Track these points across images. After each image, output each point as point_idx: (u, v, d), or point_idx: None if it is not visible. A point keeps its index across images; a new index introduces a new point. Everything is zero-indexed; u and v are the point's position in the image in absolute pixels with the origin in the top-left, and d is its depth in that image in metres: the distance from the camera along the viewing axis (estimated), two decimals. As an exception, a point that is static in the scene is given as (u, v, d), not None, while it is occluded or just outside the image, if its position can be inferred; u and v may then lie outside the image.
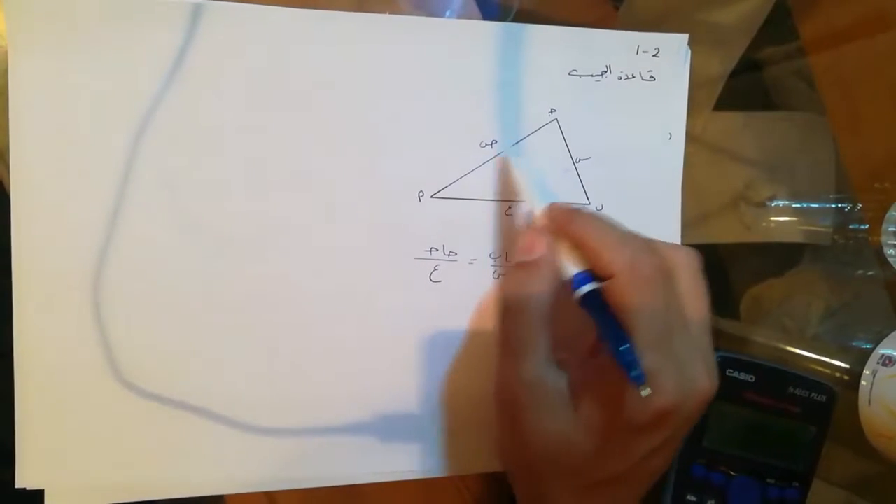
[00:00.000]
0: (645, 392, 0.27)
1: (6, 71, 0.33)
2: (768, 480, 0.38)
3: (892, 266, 0.40)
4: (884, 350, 0.38)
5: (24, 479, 0.33)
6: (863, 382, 0.38)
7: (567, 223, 0.31)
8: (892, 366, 0.37)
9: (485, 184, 0.37)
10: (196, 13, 0.34)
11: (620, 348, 0.28)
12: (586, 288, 0.30)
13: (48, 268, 0.33)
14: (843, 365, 0.40)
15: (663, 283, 0.29)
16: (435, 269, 0.36)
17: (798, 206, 0.42)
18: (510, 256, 0.37)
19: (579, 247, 0.31)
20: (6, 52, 0.32)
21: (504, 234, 0.37)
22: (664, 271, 0.29)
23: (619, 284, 0.29)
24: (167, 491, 0.35)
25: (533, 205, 0.34)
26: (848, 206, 0.41)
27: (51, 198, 0.33)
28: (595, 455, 0.29)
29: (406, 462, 0.37)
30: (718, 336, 0.41)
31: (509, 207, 0.37)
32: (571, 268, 0.31)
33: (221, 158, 0.34)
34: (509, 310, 0.31)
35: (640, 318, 0.28)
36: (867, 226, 0.41)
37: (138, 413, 0.34)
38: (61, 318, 0.33)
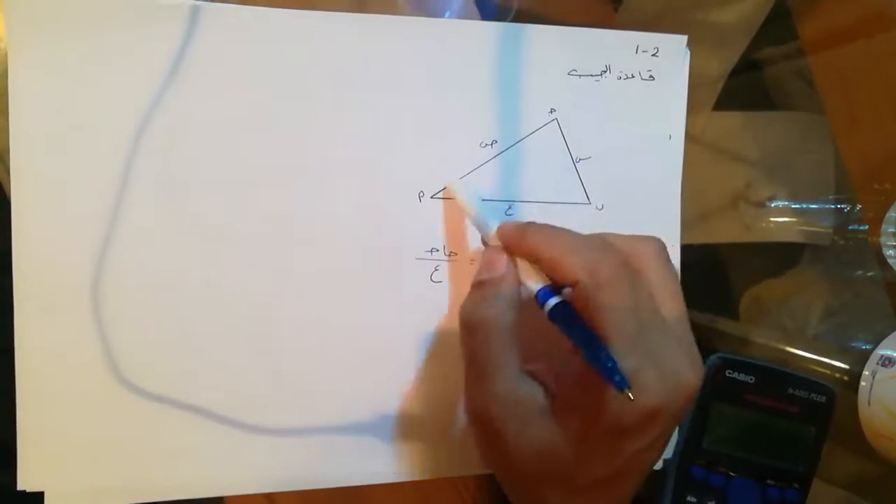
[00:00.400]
0: (630, 395, 0.26)
1: (6, 72, 0.33)
2: (768, 481, 0.38)
3: (891, 267, 0.40)
4: (883, 351, 0.38)
5: (25, 480, 0.33)
6: (862, 383, 0.38)
7: (519, 239, 0.31)
8: (891, 366, 0.37)
9: (484, 184, 0.37)
10: (195, 14, 0.34)
11: (597, 356, 0.27)
12: (552, 302, 0.29)
13: (48, 269, 0.33)
14: (842, 365, 0.40)
15: (628, 281, 0.28)
16: (436, 270, 0.36)
17: (798, 206, 0.42)
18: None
19: (536, 261, 0.30)
20: (5, 54, 0.32)
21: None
22: (626, 267, 0.29)
23: (581, 291, 0.28)
24: (166, 492, 0.35)
25: (482, 230, 0.33)
26: (847, 207, 0.41)
27: (50, 199, 0.33)
28: (581, 461, 0.29)
29: (405, 463, 0.37)
30: (718, 336, 0.41)
31: (509, 207, 0.37)
32: (534, 284, 0.30)
33: (221, 159, 0.34)
34: (472, 329, 0.30)
35: (610, 322, 0.27)
36: (867, 226, 0.41)
37: (138, 414, 0.34)
38: (61, 320, 0.33)
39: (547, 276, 0.30)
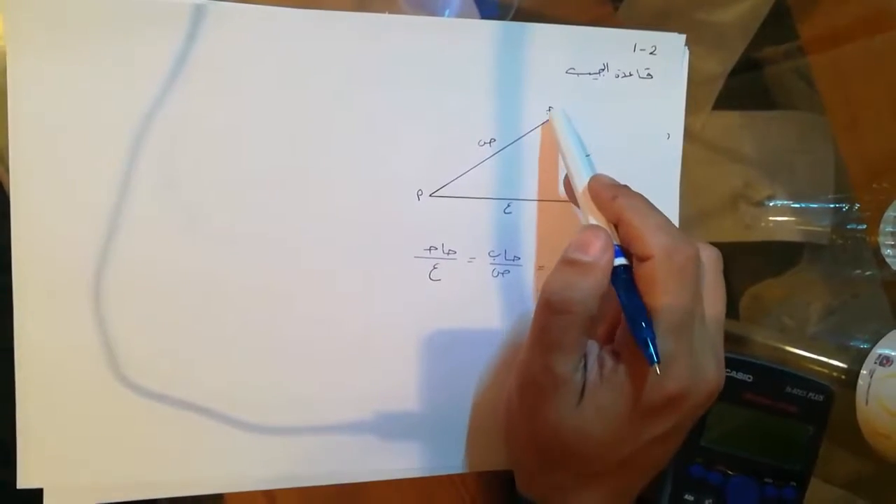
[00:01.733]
0: (657, 371, 0.28)
1: (5, 71, 0.33)
2: (766, 480, 0.38)
3: (889, 266, 0.40)
4: (881, 350, 0.38)
5: (24, 477, 0.33)
6: (860, 382, 0.38)
7: (610, 199, 0.31)
8: (889, 365, 0.37)
9: (483, 182, 0.37)
10: (197, 13, 0.34)
11: (639, 327, 0.28)
12: (618, 261, 0.30)
13: (49, 268, 0.33)
14: (841, 364, 0.40)
15: (694, 274, 0.30)
16: (434, 268, 0.36)
17: (797, 205, 0.42)
18: (509, 253, 0.37)
19: (620, 224, 0.31)
20: (4, 53, 0.33)
21: (503, 233, 0.37)
22: (698, 262, 0.30)
23: (653, 267, 0.29)
24: (166, 490, 0.35)
25: (574, 176, 0.34)
26: (846, 206, 0.41)
27: (50, 199, 0.33)
28: (605, 442, 0.30)
29: (405, 461, 0.37)
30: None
31: (507, 205, 0.37)
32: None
33: (222, 157, 0.34)
34: (553, 306, 0.30)
35: (666, 303, 0.29)
36: (865, 226, 0.41)
37: (138, 412, 0.34)
38: (62, 318, 0.33)
39: (621, 241, 0.31)
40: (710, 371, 0.30)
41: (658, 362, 0.28)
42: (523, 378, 0.32)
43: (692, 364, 0.29)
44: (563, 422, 0.30)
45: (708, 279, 0.31)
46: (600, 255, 0.30)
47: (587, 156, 0.35)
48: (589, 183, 0.33)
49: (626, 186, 0.32)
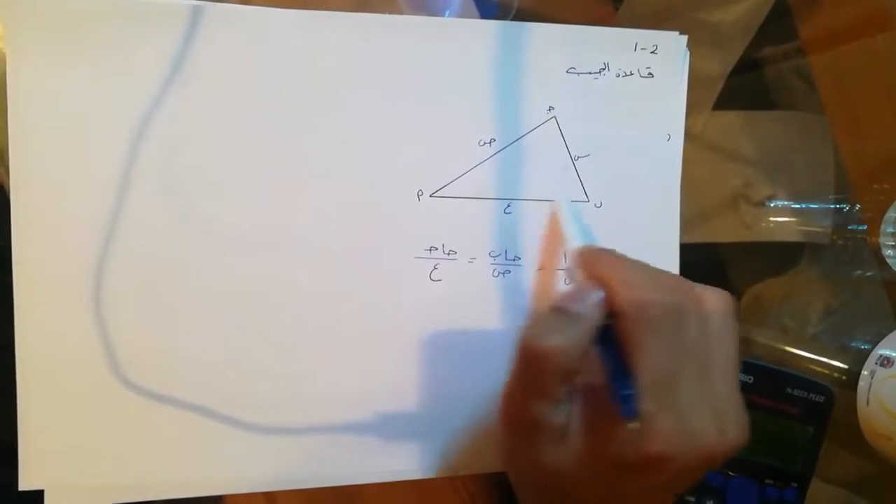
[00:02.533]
0: (633, 426, 0.27)
1: (5, 72, 0.33)
2: (766, 481, 0.38)
3: (890, 266, 0.40)
4: (882, 351, 0.38)
5: (25, 478, 0.33)
6: (861, 383, 0.38)
7: (594, 263, 0.31)
8: (890, 366, 0.37)
9: (483, 182, 0.37)
10: (196, 15, 0.34)
11: (617, 382, 0.28)
12: (602, 335, 0.29)
13: (49, 268, 0.33)
14: (841, 365, 0.40)
15: (673, 326, 0.28)
16: (435, 268, 0.36)
17: (797, 206, 0.42)
18: (510, 254, 0.37)
19: (601, 285, 0.30)
20: (4, 54, 0.33)
21: (504, 233, 0.37)
22: (679, 315, 0.28)
23: (625, 324, 0.28)
24: (166, 491, 0.35)
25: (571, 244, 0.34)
26: (847, 207, 0.41)
27: (50, 199, 0.33)
28: (584, 482, 0.29)
29: (405, 462, 0.37)
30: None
31: (508, 206, 0.37)
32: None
33: (221, 158, 0.34)
34: (532, 350, 0.28)
35: (641, 359, 0.27)
36: (866, 226, 0.41)
37: (138, 412, 0.34)
38: (63, 318, 0.33)
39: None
40: (704, 434, 0.27)
41: (635, 419, 0.27)
42: (503, 415, 0.30)
43: (678, 425, 0.27)
44: (549, 458, 0.29)
45: (714, 331, 0.29)
46: (591, 309, 0.29)
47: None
48: (577, 254, 0.33)
49: (610, 250, 0.32)
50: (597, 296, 0.29)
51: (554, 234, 0.37)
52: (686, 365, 0.28)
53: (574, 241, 0.34)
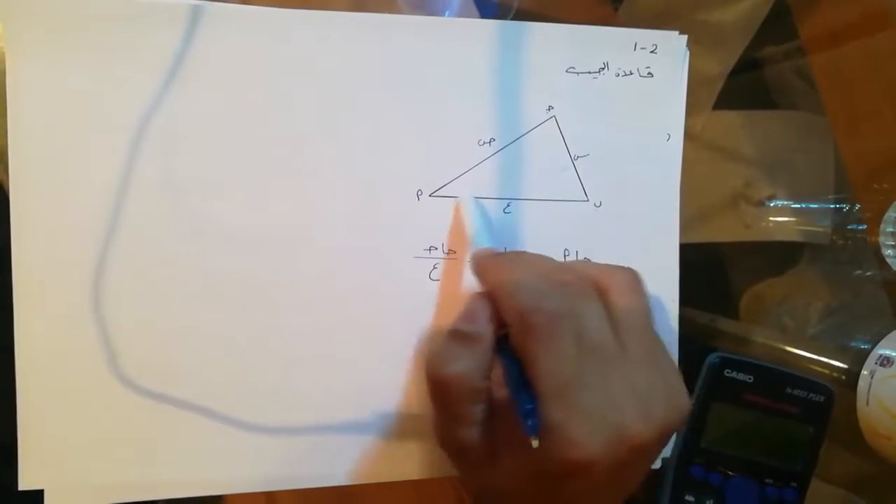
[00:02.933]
0: (535, 443, 0.26)
1: (4, 72, 0.33)
2: (766, 481, 0.38)
3: (890, 266, 0.40)
4: (882, 350, 0.38)
5: (25, 478, 0.33)
6: (861, 383, 0.38)
7: (483, 271, 0.30)
8: (890, 366, 0.37)
9: (483, 182, 0.37)
10: (195, 14, 0.34)
11: (516, 398, 0.27)
12: (499, 352, 0.29)
13: (49, 268, 0.33)
14: (841, 365, 0.40)
15: (564, 329, 0.27)
16: (434, 268, 0.36)
17: (797, 205, 0.42)
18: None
19: (490, 296, 0.30)
20: (3, 54, 0.33)
21: (503, 232, 0.37)
22: (566, 315, 0.27)
23: (514, 334, 0.28)
24: (166, 491, 0.35)
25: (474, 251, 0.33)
26: (847, 207, 0.41)
27: (50, 199, 0.33)
28: (522, 497, 0.28)
29: (404, 462, 0.37)
30: (718, 335, 0.41)
31: (507, 205, 0.37)
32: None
33: (221, 158, 0.34)
34: (437, 378, 0.28)
35: (537, 371, 0.27)
36: (866, 226, 0.41)
37: (138, 412, 0.34)
38: (62, 318, 0.33)
39: None
40: (627, 426, 0.26)
41: (535, 434, 0.26)
42: (438, 441, 0.30)
43: (595, 426, 0.26)
44: (482, 482, 0.29)
45: (620, 310, 0.28)
46: (484, 325, 0.29)
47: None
48: (470, 261, 0.32)
49: (500, 254, 0.31)
50: (486, 312, 0.29)
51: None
52: (589, 361, 0.27)
53: (476, 241, 0.34)
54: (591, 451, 0.26)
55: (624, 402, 0.27)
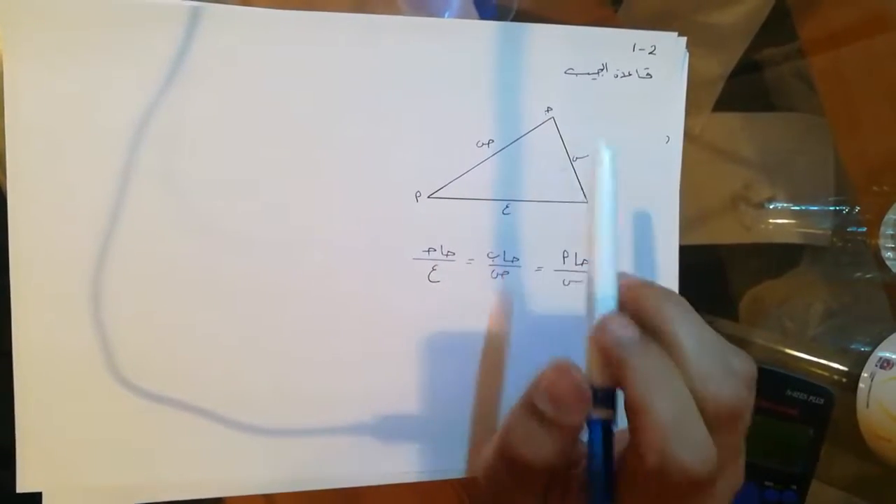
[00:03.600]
0: None
1: (1, 73, 0.33)
2: (766, 483, 0.38)
3: (890, 268, 0.40)
4: (882, 353, 0.38)
5: (23, 480, 0.33)
6: (861, 385, 0.38)
7: (619, 365, 0.24)
8: (890, 368, 0.37)
9: (482, 183, 0.37)
10: (195, 15, 0.34)
11: (596, 487, 0.24)
12: (598, 414, 0.24)
13: (47, 269, 0.33)
14: (841, 367, 0.40)
15: (695, 496, 0.23)
16: (433, 270, 0.36)
17: (797, 207, 0.42)
18: (508, 255, 0.37)
19: (623, 391, 0.24)
20: (1, 55, 0.33)
21: (502, 234, 0.37)
22: (708, 484, 0.23)
23: (640, 473, 0.23)
24: (165, 493, 0.34)
25: (598, 271, 0.26)
26: (846, 209, 0.41)
27: (48, 201, 0.33)
28: None
29: (405, 464, 0.37)
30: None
31: (506, 206, 0.37)
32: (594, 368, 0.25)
33: (220, 160, 0.34)
34: (507, 458, 0.25)
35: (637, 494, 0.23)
36: (865, 228, 0.41)
37: (137, 414, 0.34)
38: (60, 320, 0.33)
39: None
40: None
41: None
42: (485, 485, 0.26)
43: None
44: None
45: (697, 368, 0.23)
46: (573, 414, 0.24)
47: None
48: (596, 325, 0.25)
49: (645, 343, 0.24)
50: (580, 396, 0.24)
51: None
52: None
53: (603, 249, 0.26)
54: None
55: None
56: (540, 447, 0.24)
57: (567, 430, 0.24)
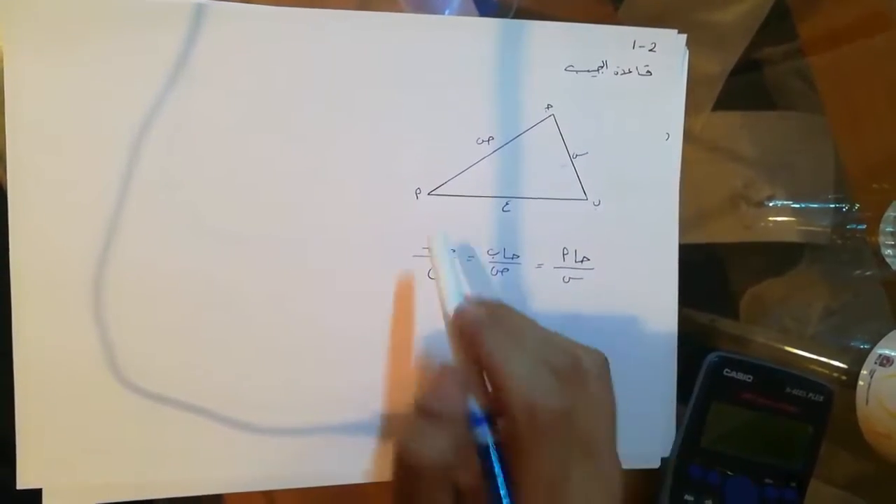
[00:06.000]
0: None
1: (2, 72, 0.33)
2: (766, 480, 0.38)
3: (889, 266, 0.40)
4: (881, 350, 0.38)
5: (23, 477, 0.33)
6: (860, 382, 0.38)
7: (473, 342, 0.28)
8: (889, 366, 0.37)
9: (481, 180, 0.37)
10: (198, 13, 0.34)
11: (493, 483, 0.26)
12: (482, 434, 0.27)
13: (48, 269, 0.33)
14: (841, 365, 0.40)
15: (564, 430, 0.26)
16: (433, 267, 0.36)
17: (797, 206, 0.42)
18: (508, 251, 0.37)
19: (483, 368, 0.28)
20: (2, 54, 0.33)
21: (502, 231, 0.37)
22: (569, 413, 0.26)
23: (513, 428, 0.26)
24: (165, 490, 0.35)
25: (444, 304, 0.31)
26: (846, 206, 0.41)
27: (49, 200, 0.33)
28: None
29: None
30: (718, 335, 0.41)
31: (506, 204, 0.37)
32: (472, 400, 0.28)
33: (222, 158, 0.34)
34: (404, 461, 0.26)
35: (529, 470, 0.26)
36: (865, 226, 0.41)
37: (137, 412, 0.34)
38: (61, 318, 0.33)
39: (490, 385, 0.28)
40: None
41: None
42: None
43: None
44: None
45: (595, 401, 0.28)
46: (454, 403, 0.27)
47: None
48: (453, 315, 0.29)
49: (494, 315, 0.29)
50: (458, 388, 0.27)
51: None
52: (574, 454, 0.26)
53: (445, 286, 0.31)
54: None
55: (596, 492, 0.27)
56: (433, 443, 0.26)
57: (454, 422, 0.27)
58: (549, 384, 0.27)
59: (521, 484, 0.26)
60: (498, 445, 0.27)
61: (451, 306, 0.30)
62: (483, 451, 0.27)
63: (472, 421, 0.27)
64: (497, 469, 0.27)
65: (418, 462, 0.26)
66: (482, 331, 0.28)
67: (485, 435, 0.27)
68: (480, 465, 0.27)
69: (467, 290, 0.36)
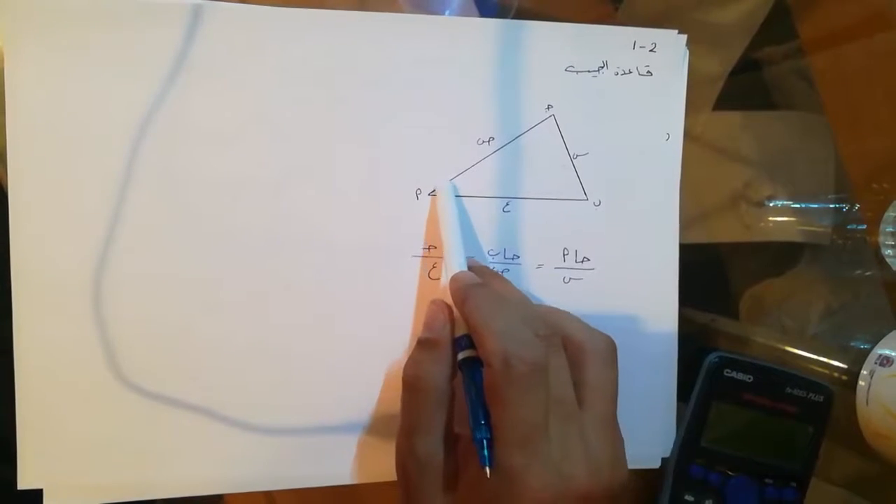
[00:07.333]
0: (488, 472, 0.28)
1: (3, 72, 0.33)
2: (766, 480, 0.38)
3: (889, 266, 0.40)
4: (882, 350, 0.38)
5: (24, 477, 0.33)
6: (861, 382, 0.38)
7: (462, 302, 0.31)
8: (889, 366, 0.37)
9: (482, 181, 0.37)
10: (197, 13, 0.34)
11: (476, 427, 0.29)
12: (464, 354, 0.31)
13: (47, 268, 0.33)
14: (841, 365, 0.40)
15: (539, 381, 0.28)
16: (433, 267, 0.36)
17: (797, 205, 0.42)
18: (508, 252, 0.37)
19: (468, 326, 0.31)
20: (1, 52, 0.33)
21: (502, 231, 0.37)
22: (544, 368, 0.29)
23: (491, 376, 0.29)
24: (166, 490, 0.35)
25: (448, 262, 0.34)
26: (846, 206, 0.41)
27: (49, 198, 0.33)
28: None
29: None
30: (718, 335, 0.41)
31: (506, 204, 0.37)
32: (459, 332, 0.32)
33: (221, 158, 0.34)
34: (409, 387, 0.32)
35: (507, 416, 0.28)
36: (865, 226, 0.41)
37: (137, 412, 0.34)
38: (61, 318, 0.33)
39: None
40: (576, 478, 0.28)
41: (490, 467, 0.28)
42: (397, 466, 0.32)
43: (548, 474, 0.28)
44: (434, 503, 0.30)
45: (591, 376, 0.31)
46: (441, 329, 0.32)
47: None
48: (449, 283, 0.33)
49: (480, 284, 0.32)
50: (443, 319, 0.33)
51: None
52: (553, 413, 0.28)
53: (450, 248, 0.34)
54: (543, 498, 0.27)
55: (578, 458, 0.29)
56: (429, 367, 0.31)
57: (443, 346, 0.32)
58: (526, 338, 0.29)
59: (499, 428, 0.28)
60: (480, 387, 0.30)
61: (452, 271, 0.33)
62: (467, 382, 0.30)
63: (458, 346, 0.32)
64: (473, 393, 0.30)
65: (415, 384, 0.31)
66: (470, 290, 0.32)
67: (467, 360, 0.31)
68: (467, 406, 0.30)
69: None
